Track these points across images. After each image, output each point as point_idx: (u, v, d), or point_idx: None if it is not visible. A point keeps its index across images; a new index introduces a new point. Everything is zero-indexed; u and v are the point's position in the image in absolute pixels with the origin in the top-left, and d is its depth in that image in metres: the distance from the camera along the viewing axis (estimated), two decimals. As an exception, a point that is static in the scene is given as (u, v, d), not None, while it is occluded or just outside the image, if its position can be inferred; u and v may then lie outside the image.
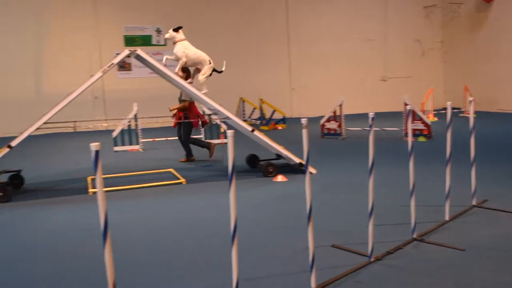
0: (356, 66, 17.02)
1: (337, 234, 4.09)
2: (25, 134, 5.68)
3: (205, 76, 6.91)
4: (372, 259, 3.46)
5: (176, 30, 6.97)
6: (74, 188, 6.47)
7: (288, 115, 14.67)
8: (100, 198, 2.11)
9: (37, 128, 5.74)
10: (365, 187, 3.68)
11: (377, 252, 3.55)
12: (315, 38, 16.52)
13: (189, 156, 8.26)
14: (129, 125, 9.80)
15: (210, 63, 6.94)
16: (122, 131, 9.73)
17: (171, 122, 8.24)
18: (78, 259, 3.80)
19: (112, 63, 6.04)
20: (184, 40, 6.99)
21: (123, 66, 14.30)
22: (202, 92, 6.65)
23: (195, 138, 8.31)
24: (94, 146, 2.02)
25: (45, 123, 5.73)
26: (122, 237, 4.22)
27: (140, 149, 9.78)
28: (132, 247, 4.02)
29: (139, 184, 6.43)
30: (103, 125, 8.20)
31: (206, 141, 8.47)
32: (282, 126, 13.31)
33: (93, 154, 2.03)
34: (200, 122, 8.18)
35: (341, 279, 3.18)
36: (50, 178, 7.22)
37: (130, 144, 9.80)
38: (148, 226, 4.61)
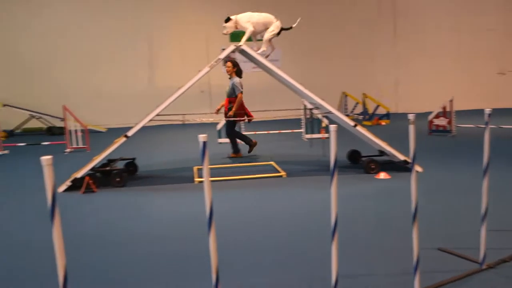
0: (469, 58, 15.80)
1: (444, 237, 3.86)
2: (140, 125, 6.13)
3: (272, 33, 6.55)
4: (484, 267, 3.21)
5: (227, 21, 6.65)
6: (182, 176, 6.85)
7: (392, 110, 14.11)
8: (206, 187, 2.21)
9: (150, 120, 6.17)
10: (477, 189, 3.42)
11: (490, 259, 3.29)
12: (424, 27, 15.62)
13: (237, 152, 8.26)
14: (232, 118, 10.12)
15: (277, 21, 6.57)
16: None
17: (272, 116, 8.36)
18: (182, 244, 4.02)
19: (219, 58, 6.28)
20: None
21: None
22: (260, 51, 6.46)
23: (238, 132, 8.26)
24: (201, 137, 2.11)
25: (157, 115, 6.14)
26: (224, 225, 4.38)
27: (242, 142, 10.06)
28: (233, 235, 4.16)
29: (241, 175, 6.63)
30: (208, 119, 8.56)
31: (251, 139, 8.22)
32: (386, 122, 12.84)
33: (200, 145, 2.13)
34: (246, 118, 8.07)
35: (447, 284, 3.00)
36: (161, 166, 7.73)
37: (234, 136, 10.13)
38: (249, 216, 4.74)
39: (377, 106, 12.98)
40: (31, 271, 3.56)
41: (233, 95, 7.95)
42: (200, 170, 6.98)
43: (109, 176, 6.36)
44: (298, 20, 6.81)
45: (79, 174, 6.07)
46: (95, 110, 13.85)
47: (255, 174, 6.64)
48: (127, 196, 5.81)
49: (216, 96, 14.71)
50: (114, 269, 3.54)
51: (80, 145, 9.63)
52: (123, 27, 14.08)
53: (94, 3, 13.99)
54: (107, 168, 6.49)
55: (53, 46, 13.75)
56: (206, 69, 6.24)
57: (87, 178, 5.97)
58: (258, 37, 6.74)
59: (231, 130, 8.08)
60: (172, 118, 7.07)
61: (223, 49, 6.39)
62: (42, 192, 6.03)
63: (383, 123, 12.74)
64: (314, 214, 4.72)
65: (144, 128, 6.25)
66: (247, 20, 6.55)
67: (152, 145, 10.16)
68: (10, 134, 12.60)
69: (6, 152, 9.61)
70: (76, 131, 9.62)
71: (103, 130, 13.07)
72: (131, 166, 7.08)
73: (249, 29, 6.49)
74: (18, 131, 13.13)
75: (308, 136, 10.20)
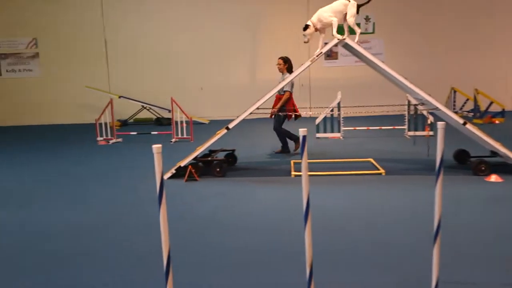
0: None
1: None
2: (241, 118, 6.30)
3: (352, 16, 6.22)
4: None
5: (305, 28, 6.47)
6: (279, 169, 6.92)
7: (508, 108, 12.93)
8: (304, 181, 2.20)
9: (251, 113, 6.31)
10: None
11: None
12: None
13: (285, 148, 8.06)
14: (332, 113, 10.01)
15: (349, 1, 6.21)
16: (325, 119, 10.00)
17: (374, 112, 8.11)
18: (276, 236, 4.07)
19: (321, 52, 6.22)
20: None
21: (330, 54, 14.60)
22: (341, 37, 6.13)
23: (285, 130, 7.99)
24: (302, 131, 2.11)
25: (257, 108, 6.26)
26: (319, 220, 4.35)
27: (341, 137, 9.90)
28: (328, 231, 4.12)
29: (338, 171, 6.53)
30: (308, 113, 8.53)
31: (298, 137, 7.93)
32: (500, 120, 11.80)
33: (300, 138, 2.13)
34: (293, 115, 7.85)
35: None
36: (259, 158, 7.88)
37: (332, 131, 10.01)
38: (345, 213, 4.65)
39: (491, 103, 11.97)
40: (140, 249, 3.85)
41: (282, 92, 7.71)
42: (297, 163, 7.00)
43: (210, 166, 6.64)
44: None
45: (183, 163, 6.41)
46: (199, 102, 14.52)
47: (352, 171, 6.50)
48: (226, 186, 6.02)
49: (316, 90, 14.62)
50: (207, 255, 3.69)
51: (185, 136, 10.17)
52: (229, 23, 14.54)
53: (200, 3, 14.61)
54: (209, 158, 6.78)
55: (163, 44, 14.63)
56: (308, 63, 6.22)
57: (190, 167, 6.29)
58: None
59: (279, 126, 7.90)
60: (272, 111, 7.18)
61: (325, 43, 6.30)
62: (147, 178, 6.46)
63: (497, 122, 11.72)
64: (416, 215, 4.50)
65: (244, 120, 6.41)
66: (328, 15, 6.32)
67: (251, 138, 10.40)
68: (124, 124, 13.69)
69: (119, 140, 10.47)
70: (181, 122, 10.17)
71: (206, 122, 13.65)
72: (231, 157, 7.32)
73: (334, 21, 6.24)
74: (131, 121, 14.21)
75: (411, 133, 9.74)
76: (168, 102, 11.34)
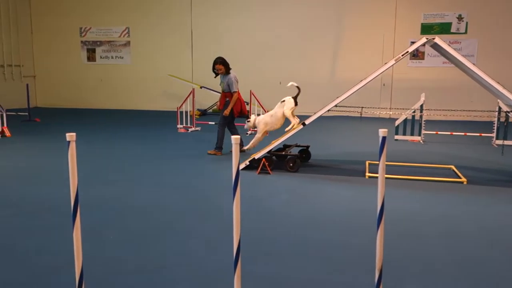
0: None
1: None
2: (318, 114, 6.26)
3: (288, 109, 6.90)
4: None
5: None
6: (353, 169, 6.80)
7: None
8: (381, 183, 2.15)
9: (328, 110, 6.24)
10: None
11: None
12: None
13: (218, 149, 7.76)
14: (413, 115, 9.62)
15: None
16: (405, 121, 9.63)
17: (460, 116, 7.67)
18: (346, 235, 4.01)
19: (407, 51, 6.00)
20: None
21: (416, 54, 14.02)
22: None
23: (223, 131, 7.74)
24: (382, 132, 2.06)
25: (335, 106, 6.18)
26: (393, 224, 4.23)
27: (421, 141, 9.49)
28: (401, 236, 3.99)
29: (415, 176, 6.28)
30: (388, 113, 8.28)
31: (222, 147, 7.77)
32: None
33: (380, 139, 2.08)
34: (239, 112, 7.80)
35: None
36: (333, 157, 7.79)
37: (412, 134, 9.62)
38: (420, 219, 4.47)
39: None
40: (211, 235, 3.98)
41: (228, 90, 7.72)
42: (372, 165, 6.82)
43: (284, 161, 6.68)
44: None
45: (257, 155, 6.50)
46: (277, 97, 14.58)
47: (431, 177, 6.22)
48: (297, 181, 6.02)
49: (397, 90, 14.11)
50: (274, 248, 3.72)
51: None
52: (311, 18, 14.44)
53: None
54: (283, 153, 6.81)
55: (246, 38, 14.86)
56: (392, 62, 6.03)
57: (263, 160, 6.37)
58: None
59: (221, 125, 7.74)
60: (350, 110, 7.05)
61: (412, 42, 6.05)
62: (221, 167, 6.63)
63: None
64: (498, 230, 4.22)
65: (321, 117, 6.37)
66: (264, 121, 7.07)
67: (326, 135, 10.29)
68: (203, 113, 14.12)
69: (198, 129, 10.83)
70: (258, 115, 10.28)
71: (282, 116, 13.70)
72: (305, 153, 7.30)
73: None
74: (210, 111, 14.62)
75: (500, 142, 9.10)
76: (247, 94, 11.52)
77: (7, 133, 9.43)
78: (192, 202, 5.04)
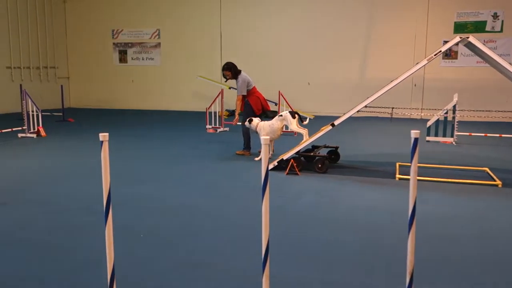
0: None
1: None
2: (347, 115, 6.20)
3: (291, 124, 7.12)
4: None
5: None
6: (382, 171, 6.70)
7: None
8: (412, 185, 2.11)
9: (358, 111, 6.17)
10: None
11: None
12: None
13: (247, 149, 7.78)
14: (445, 116, 9.40)
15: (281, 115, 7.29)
16: (437, 122, 9.42)
17: (495, 117, 7.45)
18: (375, 237, 3.96)
19: (440, 51, 5.87)
20: None
21: (449, 54, 13.71)
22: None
23: (249, 134, 7.71)
24: (414, 133, 2.02)
25: (365, 106, 6.10)
26: (424, 227, 4.14)
27: (454, 142, 9.27)
28: (432, 239, 3.90)
29: (447, 178, 6.13)
30: (419, 114, 8.12)
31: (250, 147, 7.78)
32: None
33: (412, 141, 2.04)
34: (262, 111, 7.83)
35: None
36: (362, 158, 7.69)
37: (444, 135, 9.41)
38: (452, 222, 4.37)
39: None
40: (238, 234, 3.99)
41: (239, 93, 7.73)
42: (402, 166, 6.70)
43: (312, 162, 6.64)
44: None
45: (285, 156, 6.48)
46: (305, 97, 14.53)
47: (464, 179, 6.06)
48: (326, 182, 5.98)
49: (429, 91, 13.83)
50: (301, 250, 3.70)
51: (289, 130, 10.24)
52: (340, 18, 14.31)
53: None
54: (311, 154, 6.77)
55: (274, 38, 14.85)
56: (424, 61, 5.91)
57: (292, 161, 6.35)
58: None
59: (243, 122, 7.64)
60: (380, 110, 6.96)
61: (445, 41, 5.92)
62: (249, 167, 6.64)
63: None
64: (534, 234, 4.08)
65: (350, 118, 6.30)
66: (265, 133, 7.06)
67: (356, 136, 10.18)
68: (232, 114, 14.19)
69: (226, 129, 10.89)
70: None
71: (311, 117, 13.63)
72: (334, 154, 7.24)
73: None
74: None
75: (430, 138, 8.81)
76: (275, 95, 11.52)
77: (43, 133, 9.72)
78: (221, 201, 5.07)
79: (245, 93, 7.72)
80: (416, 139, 2.03)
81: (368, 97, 6.10)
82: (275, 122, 7.19)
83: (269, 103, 13.72)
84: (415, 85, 13.94)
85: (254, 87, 7.87)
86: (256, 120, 7.36)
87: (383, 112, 7.19)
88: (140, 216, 4.58)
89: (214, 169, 6.70)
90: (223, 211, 4.74)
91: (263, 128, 7.23)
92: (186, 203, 5.02)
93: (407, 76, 5.98)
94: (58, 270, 3.33)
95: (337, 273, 3.28)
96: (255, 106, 7.71)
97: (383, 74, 13.12)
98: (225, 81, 8.08)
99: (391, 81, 6.04)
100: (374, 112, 6.47)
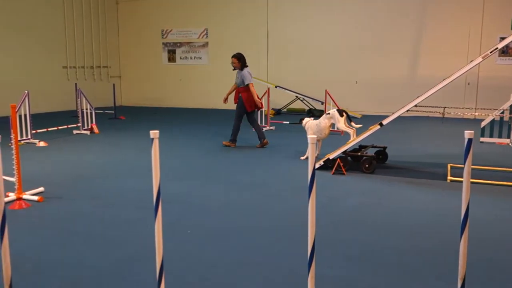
0: None
1: None
2: (396, 115, 6.05)
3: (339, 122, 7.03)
4: None
5: None
6: (433, 172, 6.50)
7: None
8: (465, 187, 2.04)
9: (408, 110, 6.01)
10: None
11: None
12: None
13: (262, 140, 8.30)
14: (501, 116, 8.99)
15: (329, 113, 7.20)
16: (492, 122, 9.02)
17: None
18: (424, 240, 3.85)
19: (496, 48, 5.62)
20: None
21: (506, 51, 13.08)
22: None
23: (239, 125, 8.25)
24: (468, 133, 1.95)
25: (415, 105, 5.94)
26: (476, 231, 3.99)
27: (510, 144, 8.84)
28: (486, 244, 3.75)
29: (502, 181, 5.86)
30: (472, 114, 7.81)
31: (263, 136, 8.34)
32: None
33: (465, 141, 1.97)
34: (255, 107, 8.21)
35: None
36: (411, 158, 7.48)
37: (499, 136, 8.99)
38: (504, 229, 4.17)
39: None
40: (285, 234, 3.99)
41: (242, 84, 8.13)
42: (454, 168, 6.47)
43: (359, 161, 6.53)
44: None
45: (332, 156, 6.42)
46: (353, 96, 14.31)
47: (522, 183, 5.78)
48: (373, 183, 5.87)
49: (484, 90, 13.25)
50: (346, 251, 3.65)
51: (335, 129, 10.13)
52: (388, 14, 13.97)
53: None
54: (358, 153, 6.67)
55: (321, 36, 14.71)
56: (479, 59, 5.68)
57: (338, 160, 6.28)
58: None
59: (236, 117, 8.27)
60: (431, 110, 6.73)
61: (502, 38, 5.66)
62: (294, 166, 6.61)
63: None
64: None
65: (399, 117, 6.15)
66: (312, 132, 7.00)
67: (405, 136, 9.92)
68: (277, 113, 14.20)
69: (272, 128, 10.91)
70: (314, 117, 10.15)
71: (358, 116, 13.41)
72: (382, 154, 7.09)
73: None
74: (284, 110, 14.67)
75: (484, 139, 8.27)
76: (321, 94, 11.42)
77: (96, 130, 10.11)
78: (266, 200, 5.10)
79: (250, 78, 8.17)
80: (470, 140, 1.96)
81: (418, 96, 5.93)
82: (322, 121, 7.11)
83: (315, 102, 13.70)
84: (468, 84, 13.40)
85: (252, 84, 8.26)
86: (306, 119, 7.33)
87: (434, 112, 6.94)
88: (187, 212, 4.68)
89: (259, 167, 6.74)
90: (268, 209, 4.76)
91: (310, 127, 7.17)
92: (232, 200, 5.08)
93: (461, 75, 5.76)
94: (110, 262, 3.46)
95: (382, 276, 3.22)
96: (247, 102, 8.14)
97: (434, 72, 12.71)
98: (233, 69, 8.49)
99: (443, 80, 5.84)
100: (425, 111, 6.26)
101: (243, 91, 8.17)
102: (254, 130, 8.59)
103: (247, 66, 8.28)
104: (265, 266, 3.37)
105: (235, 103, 8.44)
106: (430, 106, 6.87)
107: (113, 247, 3.77)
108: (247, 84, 8.12)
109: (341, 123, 6.97)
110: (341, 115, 6.99)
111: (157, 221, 2.43)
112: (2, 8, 13.21)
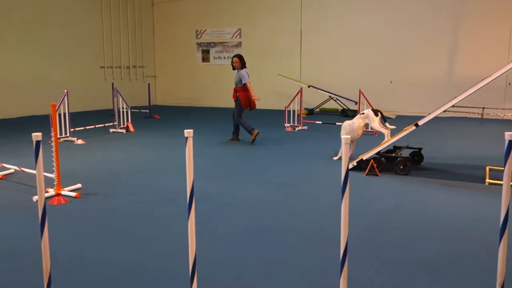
0: None
1: None
2: (433, 115, 5.91)
3: (374, 122, 6.90)
4: None
5: None
6: (470, 174, 6.31)
7: None
8: (505, 191, 1.97)
9: (445, 111, 5.86)
10: None
11: None
12: None
13: (235, 135, 8.91)
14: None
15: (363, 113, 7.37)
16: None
17: None
18: (459, 245, 3.74)
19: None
20: None
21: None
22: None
23: (243, 121, 8.70)
24: (508, 135, 1.89)
25: (453, 106, 5.79)
26: (516, 238, 3.85)
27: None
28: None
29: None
30: (513, 114, 7.54)
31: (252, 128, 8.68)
32: None
33: (506, 143, 1.91)
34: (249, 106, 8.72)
35: None
36: (448, 160, 7.29)
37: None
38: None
39: None
40: (313, 234, 3.97)
41: (239, 84, 8.65)
42: (493, 170, 6.26)
43: (394, 163, 6.42)
44: None
45: (365, 156, 6.33)
46: (387, 96, 14.07)
47: None
48: (408, 185, 5.75)
49: (525, 91, 12.77)
50: (381, 253, 3.59)
51: (369, 129, 9.99)
52: (425, 12, 13.65)
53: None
54: (393, 154, 6.55)
55: (355, 36, 14.53)
56: (519, 58, 5.48)
57: (372, 161, 6.18)
58: None
59: (237, 116, 8.71)
60: (470, 110, 6.55)
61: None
62: (325, 166, 6.56)
63: None
64: None
65: (436, 118, 6.01)
66: (344, 132, 7.03)
67: (442, 137, 9.67)
68: (310, 113, 14.12)
69: (305, 128, 10.86)
70: (347, 118, 10.02)
71: (393, 116, 13.18)
72: (417, 155, 6.94)
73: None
74: (317, 110, 14.58)
75: None
76: (355, 94, 11.28)
77: (131, 129, 10.33)
78: (297, 200, 5.08)
79: (247, 77, 8.64)
80: (510, 142, 1.89)
81: (456, 96, 5.77)
82: (356, 121, 6.98)
83: (349, 102, 13.54)
84: (509, 84, 12.95)
85: (249, 82, 8.72)
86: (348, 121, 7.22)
87: (472, 113, 6.75)
88: (219, 210, 4.72)
89: (291, 167, 6.72)
90: (300, 210, 4.74)
91: (344, 127, 7.09)
92: (264, 200, 5.09)
93: (501, 74, 5.57)
94: (143, 259, 3.53)
95: (416, 280, 3.15)
96: (243, 101, 8.66)
97: (473, 72, 12.35)
98: (232, 69, 9.05)
99: (482, 79, 5.67)
100: (463, 112, 6.11)
101: (240, 90, 8.70)
102: (234, 124, 9.01)
103: (246, 67, 8.85)
104: (296, 266, 3.36)
105: (234, 100, 8.95)
106: (468, 107, 6.69)
107: (146, 244, 3.84)
108: (244, 83, 8.61)
109: (375, 123, 6.84)
110: (376, 115, 6.85)
111: (190, 219, 2.46)
112: (43, 11, 13.68)
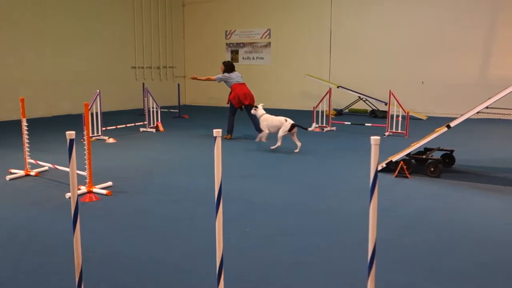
0: None
1: None
2: (465, 116, 5.77)
3: (283, 132, 7.85)
4: None
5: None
6: (505, 178, 6.14)
7: None
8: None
9: (478, 112, 5.72)
10: None
11: None
12: None
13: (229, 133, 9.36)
14: None
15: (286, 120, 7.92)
16: None
17: None
18: (493, 251, 3.64)
19: None
20: None
21: None
22: None
23: (231, 120, 9.40)
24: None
25: (486, 107, 5.64)
26: (553, 244, 3.72)
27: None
28: None
29: None
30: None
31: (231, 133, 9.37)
32: None
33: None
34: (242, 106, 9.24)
35: None
36: (482, 163, 7.11)
37: None
38: None
39: None
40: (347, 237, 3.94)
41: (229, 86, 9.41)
42: (529, 174, 6.07)
43: (424, 165, 6.30)
44: None
45: (394, 158, 6.24)
46: (418, 97, 13.82)
47: None
48: (438, 187, 5.64)
49: None
50: (409, 256, 3.53)
51: (399, 130, 9.84)
52: (457, 12, 13.32)
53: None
54: (423, 156, 6.43)
55: (385, 36, 14.31)
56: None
57: (401, 163, 6.09)
58: None
59: (229, 113, 9.46)
60: (504, 112, 6.35)
61: None
62: (355, 169, 6.49)
63: None
64: None
65: (468, 120, 5.86)
66: (265, 124, 8.05)
67: (475, 139, 9.43)
68: (339, 113, 14.00)
69: (333, 128, 10.78)
70: (397, 116, 9.88)
71: (424, 118, 12.93)
72: (448, 158, 6.79)
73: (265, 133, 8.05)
74: (346, 111, 14.44)
75: None
76: (385, 94, 11.12)
77: (161, 128, 10.49)
78: (326, 201, 5.05)
79: (221, 78, 9.51)
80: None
81: (490, 97, 5.62)
82: (274, 119, 7.99)
83: (379, 103, 13.34)
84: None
85: (236, 84, 9.33)
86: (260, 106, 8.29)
87: (507, 114, 6.55)
88: (248, 210, 4.74)
89: (320, 168, 6.68)
90: (329, 211, 4.71)
91: (264, 120, 8.09)
92: (293, 200, 5.08)
93: None
94: (172, 256, 3.58)
95: (445, 285, 3.08)
96: (233, 101, 9.28)
97: (507, 72, 12.00)
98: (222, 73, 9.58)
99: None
100: (497, 114, 5.93)
101: (230, 92, 9.36)
102: (229, 121, 9.49)
103: (231, 71, 9.49)
104: (324, 267, 3.34)
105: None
106: (503, 108, 6.49)
107: (175, 242, 3.89)
108: (218, 80, 9.56)
109: (281, 132, 7.72)
110: (290, 130, 7.71)
111: (218, 218, 2.48)
112: (76, 13, 14.03)
